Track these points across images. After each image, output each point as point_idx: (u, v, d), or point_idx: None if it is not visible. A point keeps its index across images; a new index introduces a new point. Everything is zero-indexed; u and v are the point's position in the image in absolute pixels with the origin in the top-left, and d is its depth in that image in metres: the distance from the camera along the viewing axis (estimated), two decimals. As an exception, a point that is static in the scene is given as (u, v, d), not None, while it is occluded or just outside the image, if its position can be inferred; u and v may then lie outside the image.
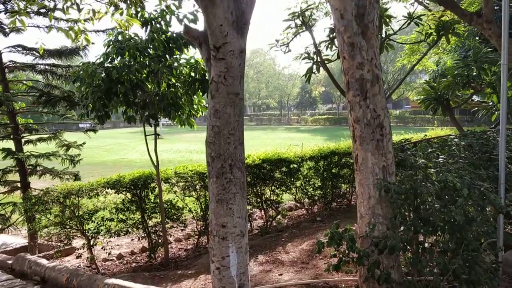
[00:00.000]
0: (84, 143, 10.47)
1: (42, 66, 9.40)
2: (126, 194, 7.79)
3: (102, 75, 6.60)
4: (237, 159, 3.78)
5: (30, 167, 9.16)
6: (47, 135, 10.04)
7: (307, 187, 10.62)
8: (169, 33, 7.19)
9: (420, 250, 5.12)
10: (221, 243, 3.91)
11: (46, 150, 10.01)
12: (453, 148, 6.54)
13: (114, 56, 7.07)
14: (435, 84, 10.87)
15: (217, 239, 3.92)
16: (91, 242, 7.53)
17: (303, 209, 11.27)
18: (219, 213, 3.85)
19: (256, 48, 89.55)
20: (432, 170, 5.40)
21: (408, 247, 4.90)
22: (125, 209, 7.77)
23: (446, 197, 4.98)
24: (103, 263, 8.24)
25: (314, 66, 8.36)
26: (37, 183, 14.63)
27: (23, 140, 9.59)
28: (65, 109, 9.62)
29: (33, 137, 10.00)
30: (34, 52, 9.24)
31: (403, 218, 5.02)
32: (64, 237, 7.43)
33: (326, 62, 8.29)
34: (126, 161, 27.96)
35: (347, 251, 5.03)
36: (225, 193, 3.79)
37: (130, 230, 7.92)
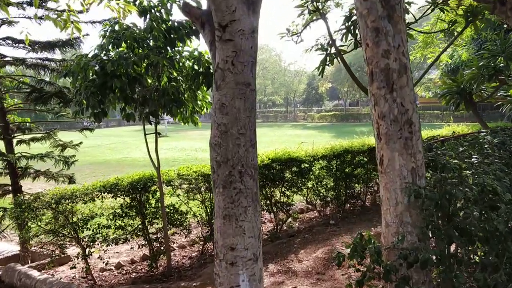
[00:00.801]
0: (81, 142, 9.88)
1: (33, 60, 8.83)
2: (124, 198, 7.22)
3: (96, 68, 6.03)
4: (248, 164, 3.22)
5: (20, 169, 8.56)
6: (40, 135, 9.46)
7: (319, 187, 10.06)
8: (170, 22, 6.59)
9: (455, 264, 4.54)
10: (230, 269, 3.28)
11: (41, 151, 9.46)
12: (486, 146, 5.92)
13: (110, 48, 6.49)
14: (456, 77, 10.23)
15: (224, 264, 3.30)
16: (87, 251, 6.97)
17: (315, 211, 10.70)
18: (226, 232, 3.24)
19: (261, 44, 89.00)
20: (468, 172, 4.80)
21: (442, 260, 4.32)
22: (124, 215, 7.21)
23: (484, 203, 4.40)
24: (100, 273, 7.69)
25: (328, 58, 7.76)
26: (32, 186, 14.18)
27: (14, 141, 9.01)
28: (59, 106, 9.03)
29: (27, 137, 9.43)
30: (26, 45, 8.66)
31: (436, 228, 4.44)
32: (57, 246, 6.88)
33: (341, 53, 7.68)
34: (129, 160, 27.49)
35: (372, 265, 4.46)
36: (234, 207, 3.20)
37: (129, 237, 7.36)
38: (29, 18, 8.31)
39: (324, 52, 7.80)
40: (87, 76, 6.06)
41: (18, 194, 8.66)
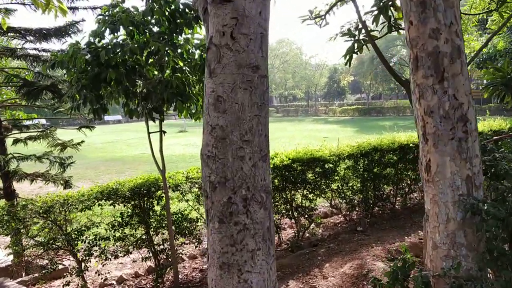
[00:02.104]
0: (82, 141, 9.13)
1: (25, 51, 8.09)
2: (126, 205, 6.44)
3: (87, 57, 5.23)
4: (257, 186, 2.36)
5: (9, 172, 7.82)
6: (36, 133, 8.73)
7: (344, 190, 9.18)
8: (174, 5, 5.75)
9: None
10: None
11: (43, 150, 8.75)
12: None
13: (106, 34, 5.70)
14: (502, 66, 9.20)
15: None
16: (83, 266, 6.22)
17: (340, 216, 9.84)
18: (224, 289, 2.43)
19: (281, 37, 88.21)
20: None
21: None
22: (124, 224, 6.42)
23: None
24: (100, 289, 6.94)
25: (356, 45, 6.87)
26: (33, 189, 13.56)
27: (9, 140, 8.26)
28: (56, 101, 8.27)
29: (24, 135, 8.72)
30: (18, 34, 7.93)
31: (501, 253, 3.55)
32: (49, 260, 6.14)
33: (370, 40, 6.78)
34: (146, 156, 26.87)
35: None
36: (236, 251, 2.31)
37: (131, 249, 6.59)
38: (23, 4, 7.55)
39: (352, 39, 6.91)
40: (76, 66, 5.27)
41: (17, 199, 8.01)
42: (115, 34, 5.69)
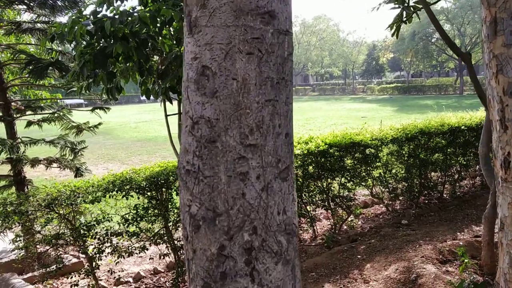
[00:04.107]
0: (100, 123, 8.49)
1: (34, 25, 7.42)
2: (141, 197, 5.78)
3: (89, 28, 4.52)
4: (271, 224, 1.52)
5: (14, 157, 7.19)
6: (47, 115, 8.09)
7: (387, 177, 8.32)
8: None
9: None
10: None
11: (58, 133, 8.17)
12: None
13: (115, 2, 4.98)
14: None
15: None
16: (93, 264, 5.60)
17: (381, 205, 8.98)
18: None
19: (318, 14, 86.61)
20: None
21: None
22: (139, 219, 5.75)
23: None
24: (114, 287, 6.32)
25: (404, 13, 5.95)
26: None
27: (16, 122, 7.66)
28: (64, 79, 7.60)
29: (38, 117, 8.12)
30: (24, 5, 7.27)
31: None
32: (55, 258, 5.55)
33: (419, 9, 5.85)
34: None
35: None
36: None
37: (147, 245, 5.94)
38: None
39: (400, 6, 6.00)
40: (77, 38, 4.57)
41: (27, 187, 7.46)
42: (126, 0, 4.98)
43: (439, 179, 9.22)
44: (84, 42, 5.06)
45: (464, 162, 9.34)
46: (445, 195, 9.32)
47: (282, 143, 1.57)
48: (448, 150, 8.95)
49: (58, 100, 9.73)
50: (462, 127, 8.83)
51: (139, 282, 6.42)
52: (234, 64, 1.49)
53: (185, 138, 1.60)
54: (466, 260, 5.25)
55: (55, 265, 5.48)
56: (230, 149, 1.49)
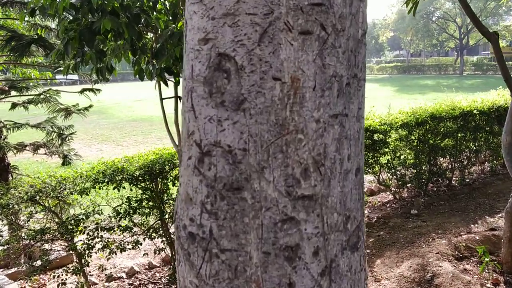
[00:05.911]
0: (91, 105, 7.95)
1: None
2: (135, 188, 5.34)
3: (73, 1, 4.02)
4: None
5: None
6: (33, 97, 7.55)
7: (395, 164, 7.91)
8: None
9: None
10: None
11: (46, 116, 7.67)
12: None
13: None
14: None
15: None
16: (83, 261, 5.18)
17: (388, 193, 8.57)
18: None
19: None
20: None
21: None
22: (132, 212, 5.33)
23: None
24: (106, 284, 5.91)
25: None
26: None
27: (7, 103, 7.11)
28: (48, 57, 7.06)
29: (23, 99, 7.58)
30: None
31: None
32: (39, 254, 5.13)
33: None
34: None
35: None
36: None
37: (141, 239, 5.53)
38: None
39: (417, -20, 5.50)
40: (59, 12, 4.07)
41: (11, 175, 7.00)
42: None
43: (448, 166, 8.82)
44: (71, 17, 4.60)
45: (475, 148, 8.94)
46: (454, 182, 8.94)
47: (352, 187, 0.98)
48: (459, 135, 8.54)
49: (49, 79, 9.21)
50: (474, 111, 8.42)
51: (132, 278, 5.99)
52: (276, 51, 0.88)
53: (187, 178, 0.97)
54: (487, 259, 4.88)
55: (41, 260, 5.05)
56: (267, 204, 0.89)
